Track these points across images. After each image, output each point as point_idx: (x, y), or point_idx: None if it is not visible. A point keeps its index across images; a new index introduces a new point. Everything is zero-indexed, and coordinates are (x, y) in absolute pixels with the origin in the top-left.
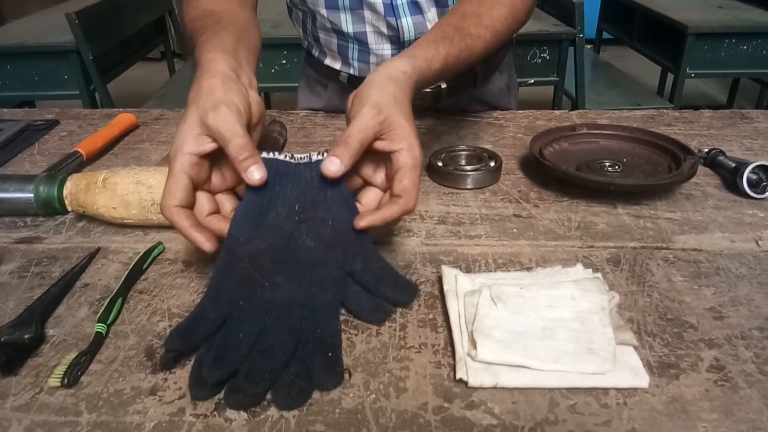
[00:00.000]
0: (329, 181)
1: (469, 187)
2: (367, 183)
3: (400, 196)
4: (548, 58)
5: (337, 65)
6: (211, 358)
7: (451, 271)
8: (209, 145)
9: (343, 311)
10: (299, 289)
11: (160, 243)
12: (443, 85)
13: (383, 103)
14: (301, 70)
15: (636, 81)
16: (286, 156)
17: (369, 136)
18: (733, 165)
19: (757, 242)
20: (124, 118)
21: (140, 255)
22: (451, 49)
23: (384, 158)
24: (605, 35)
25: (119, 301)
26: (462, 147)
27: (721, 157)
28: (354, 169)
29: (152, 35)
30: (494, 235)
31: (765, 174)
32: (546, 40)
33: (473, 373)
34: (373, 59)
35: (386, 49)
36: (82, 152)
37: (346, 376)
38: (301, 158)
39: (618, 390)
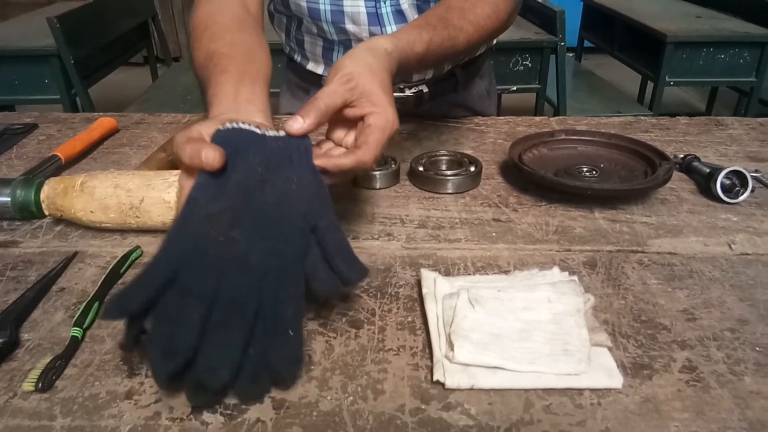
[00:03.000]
0: (295, 150)
1: (449, 191)
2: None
3: (359, 148)
4: (530, 65)
5: (320, 69)
6: (159, 348)
7: (430, 275)
8: None
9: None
10: (258, 243)
11: (138, 247)
12: (425, 89)
13: (356, 72)
14: (283, 75)
15: (617, 89)
16: (250, 126)
17: (336, 101)
18: (708, 170)
19: (729, 246)
20: (104, 122)
21: (118, 259)
22: (434, 36)
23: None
24: (587, 44)
25: (96, 305)
26: (443, 152)
27: (695, 163)
28: (327, 136)
29: (135, 40)
30: (473, 239)
31: (738, 179)
32: (528, 48)
33: (450, 375)
34: None
35: None
36: (60, 156)
37: (300, 391)
38: (267, 131)
39: (592, 390)
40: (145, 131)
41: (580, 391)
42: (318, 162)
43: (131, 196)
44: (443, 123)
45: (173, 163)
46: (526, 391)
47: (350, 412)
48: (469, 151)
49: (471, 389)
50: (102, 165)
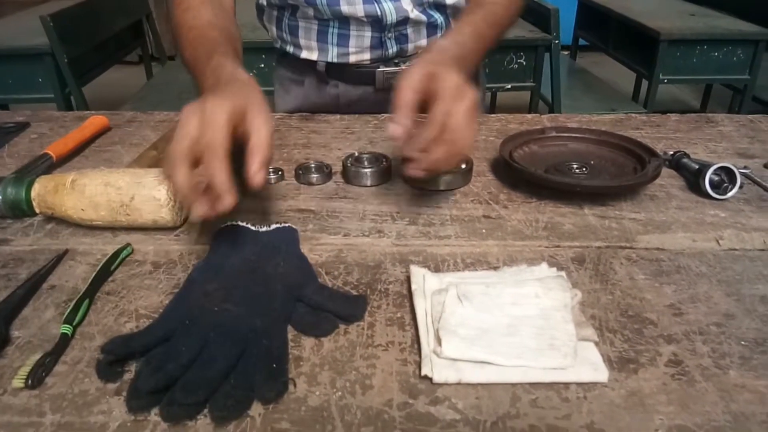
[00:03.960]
0: (283, 240)
1: (440, 188)
2: None
3: (444, 131)
4: (525, 63)
5: (314, 56)
6: (148, 368)
7: (419, 271)
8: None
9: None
10: (247, 311)
11: (128, 244)
12: None
13: (419, 65)
14: (274, 73)
15: (611, 86)
16: (248, 224)
17: (414, 86)
18: (697, 167)
19: (717, 241)
20: (96, 120)
21: (108, 257)
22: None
23: None
24: (581, 42)
25: (86, 302)
26: None
27: (685, 160)
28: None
29: (129, 39)
30: (463, 236)
31: (727, 176)
32: (523, 46)
33: (438, 370)
34: (352, 42)
35: (367, 33)
36: (52, 154)
37: (291, 386)
38: (260, 227)
39: (578, 384)
40: (138, 129)
41: (566, 385)
42: (413, 171)
43: (121, 193)
44: None
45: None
46: (513, 385)
47: (338, 407)
48: None
49: (458, 384)
50: (94, 163)
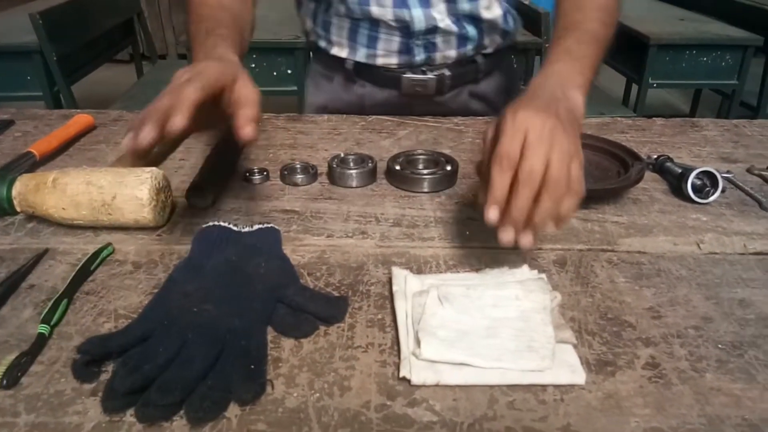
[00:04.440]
0: (266, 242)
1: (425, 190)
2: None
3: (543, 186)
4: (515, 67)
5: (344, 53)
6: (125, 368)
7: (401, 272)
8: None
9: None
10: (226, 312)
11: (109, 244)
12: (447, 72)
13: (512, 111)
14: (308, 68)
15: (601, 90)
16: (230, 223)
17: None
18: (680, 171)
19: (698, 245)
20: (81, 119)
21: (88, 256)
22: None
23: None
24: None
25: (64, 302)
26: (420, 151)
27: (668, 164)
28: None
29: (120, 37)
30: (447, 238)
31: (709, 180)
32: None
33: (416, 371)
34: (380, 45)
35: (395, 38)
36: (35, 153)
37: (269, 388)
38: (243, 227)
39: (556, 387)
40: (123, 128)
41: (543, 387)
42: (506, 237)
43: (103, 192)
44: (423, 123)
45: (149, 161)
46: (491, 387)
47: (316, 408)
48: (447, 151)
49: (437, 385)
50: (78, 162)
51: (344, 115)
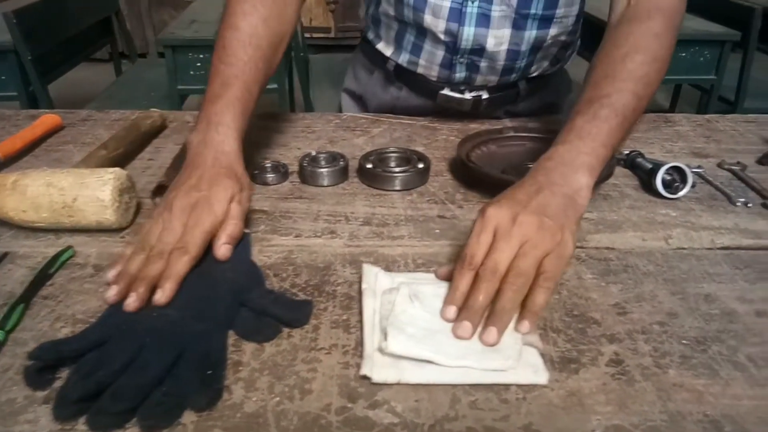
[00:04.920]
0: (234, 249)
1: (397, 188)
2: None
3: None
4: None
5: (389, 52)
6: (78, 374)
7: (371, 270)
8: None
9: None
10: (187, 316)
11: (70, 247)
12: (485, 95)
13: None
14: (354, 53)
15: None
16: None
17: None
18: (650, 166)
19: (666, 240)
20: (48, 119)
21: (47, 260)
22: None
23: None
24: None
25: (20, 307)
26: (392, 149)
27: (639, 159)
28: None
29: (97, 36)
30: (416, 236)
31: (679, 175)
32: None
33: (377, 370)
34: (423, 55)
35: (439, 51)
36: None
37: (226, 393)
38: None
39: (519, 386)
40: (91, 128)
41: (507, 386)
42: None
43: (64, 194)
44: (398, 120)
45: (114, 161)
46: (454, 387)
47: (275, 412)
48: (420, 149)
49: (398, 384)
50: (44, 163)
51: (319, 113)
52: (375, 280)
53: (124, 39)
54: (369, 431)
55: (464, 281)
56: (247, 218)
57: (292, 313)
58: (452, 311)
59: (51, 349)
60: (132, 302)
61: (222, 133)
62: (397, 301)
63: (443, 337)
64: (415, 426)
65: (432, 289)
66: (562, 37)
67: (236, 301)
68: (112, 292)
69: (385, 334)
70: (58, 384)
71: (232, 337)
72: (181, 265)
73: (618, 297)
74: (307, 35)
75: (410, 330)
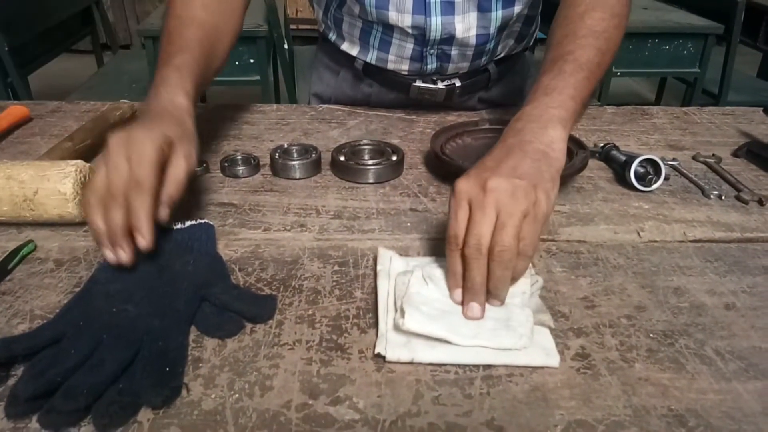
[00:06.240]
0: (197, 238)
1: (370, 181)
2: None
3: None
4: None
5: (355, 51)
6: (31, 372)
7: (386, 253)
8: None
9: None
10: (147, 311)
11: (30, 241)
12: (458, 83)
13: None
14: (314, 56)
15: None
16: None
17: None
18: (624, 159)
19: (638, 233)
20: (14, 110)
21: (6, 254)
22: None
23: None
24: (539, 35)
25: None
26: (366, 141)
27: (614, 152)
28: None
29: (77, 27)
30: (387, 230)
31: (652, 167)
32: None
33: (391, 348)
34: (392, 50)
35: (409, 44)
36: None
37: (184, 391)
38: (175, 224)
39: (483, 380)
40: (60, 120)
41: (471, 381)
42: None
43: (24, 187)
44: (374, 112)
45: (80, 153)
46: (417, 381)
47: (234, 410)
48: (396, 141)
49: (411, 363)
50: (9, 155)
51: (294, 105)
52: (389, 262)
53: (106, 30)
54: (329, 428)
55: (456, 262)
56: (214, 211)
57: (255, 308)
58: (459, 293)
59: (2, 347)
60: (122, 260)
61: (169, 92)
62: (411, 282)
63: (456, 317)
64: (376, 422)
65: (445, 272)
66: (526, 11)
67: (198, 296)
68: (109, 256)
69: (402, 312)
70: (12, 382)
71: (193, 333)
72: (143, 202)
73: (587, 290)
74: (293, 27)
75: (425, 309)
